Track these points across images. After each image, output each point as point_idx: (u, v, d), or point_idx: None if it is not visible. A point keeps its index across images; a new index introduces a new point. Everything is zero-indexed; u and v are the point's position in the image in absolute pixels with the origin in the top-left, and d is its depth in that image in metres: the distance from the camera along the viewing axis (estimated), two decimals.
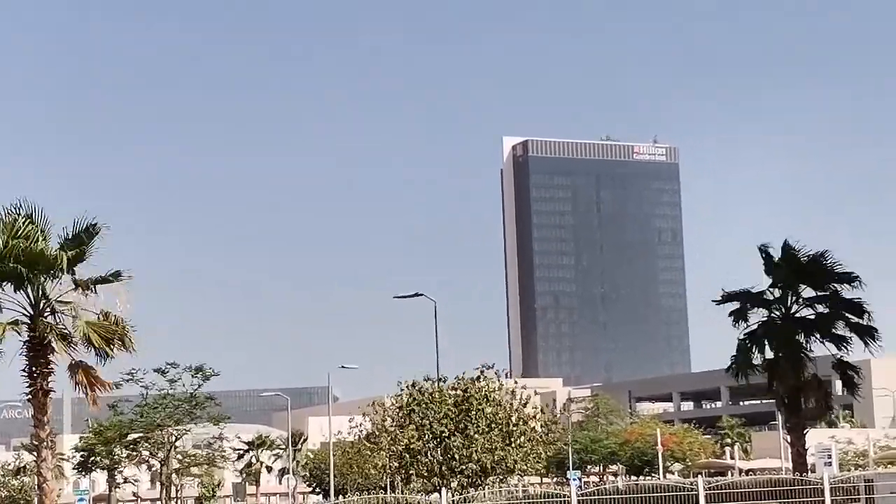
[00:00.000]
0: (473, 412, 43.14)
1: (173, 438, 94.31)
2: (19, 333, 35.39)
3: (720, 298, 44.89)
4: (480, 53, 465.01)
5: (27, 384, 36.04)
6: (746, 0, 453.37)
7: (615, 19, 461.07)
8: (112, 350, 35.74)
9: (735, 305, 44.69)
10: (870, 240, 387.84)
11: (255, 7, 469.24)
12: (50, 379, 36.03)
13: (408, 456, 43.28)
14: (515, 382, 47.49)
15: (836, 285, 44.22)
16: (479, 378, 44.62)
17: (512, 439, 43.20)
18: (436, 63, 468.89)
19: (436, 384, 45.24)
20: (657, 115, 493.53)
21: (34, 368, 35.75)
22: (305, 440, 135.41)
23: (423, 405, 43.66)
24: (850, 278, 44.11)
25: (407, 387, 45.19)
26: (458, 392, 44.10)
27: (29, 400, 36.31)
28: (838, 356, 44.33)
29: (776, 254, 44.72)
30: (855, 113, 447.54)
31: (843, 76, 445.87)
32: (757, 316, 44.68)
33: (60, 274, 35.47)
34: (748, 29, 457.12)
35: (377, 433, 45.79)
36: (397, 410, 44.66)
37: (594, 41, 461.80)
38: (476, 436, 42.70)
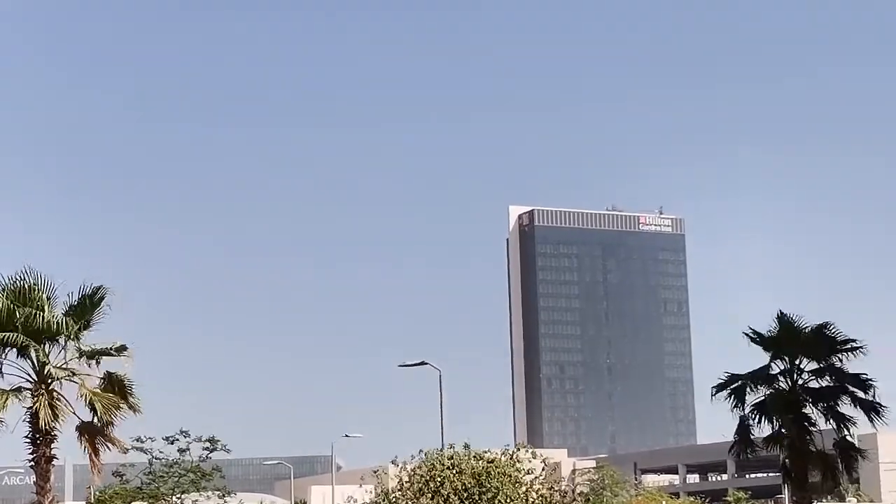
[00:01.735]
0: (493, 486, 42.94)
1: None
2: (21, 401, 35.42)
3: (719, 385, 44.11)
4: (486, 120, 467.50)
5: (30, 451, 36.00)
6: (752, 63, 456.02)
7: (620, 86, 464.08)
8: (116, 417, 35.79)
9: (735, 384, 43.96)
10: (879, 304, 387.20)
11: (248, 94, 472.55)
12: (53, 446, 36.03)
13: None
14: (543, 463, 47.11)
15: (839, 357, 43.45)
16: (511, 454, 44.56)
17: None
18: (441, 128, 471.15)
19: (459, 452, 45.03)
20: (663, 183, 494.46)
21: (37, 435, 35.73)
22: None
23: (443, 474, 43.42)
24: (853, 347, 43.32)
25: (427, 455, 45.07)
26: (481, 464, 43.92)
27: (31, 467, 36.28)
28: (841, 435, 43.72)
29: (770, 325, 44.00)
30: (863, 176, 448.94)
31: (852, 140, 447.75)
32: (758, 394, 43.89)
33: (65, 342, 35.60)
34: (756, 93, 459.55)
35: (396, 499, 45.28)
36: (416, 478, 44.32)
37: (599, 108, 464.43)
38: None
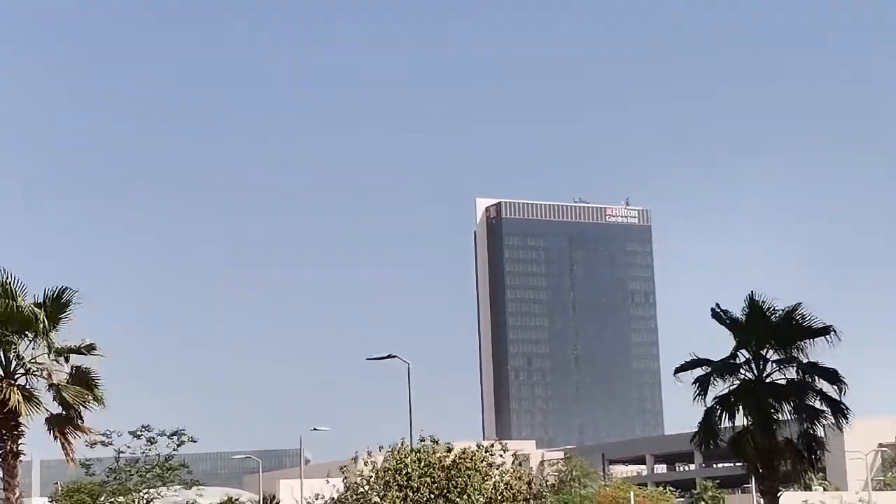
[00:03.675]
0: (460, 478, 43.03)
1: (144, 503, 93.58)
2: None
3: (682, 365, 43.30)
4: (452, 113, 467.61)
5: None
6: (723, 62, 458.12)
7: (586, 79, 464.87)
8: (84, 409, 35.81)
9: (699, 372, 43.25)
10: (843, 298, 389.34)
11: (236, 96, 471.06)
12: (20, 441, 35.91)
13: None
14: (514, 457, 47.20)
15: (807, 344, 42.40)
16: (481, 448, 44.67)
17: None
18: (408, 122, 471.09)
19: (427, 446, 45.07)
20: (630, 175, 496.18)
21: (3, 431, 35.61)
22: (278, 503, 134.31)
23: (410, 467, 43.45)
24: (825, 331, 42.20)
25: (394, 449, 45.12)
26: (450, 457, 43.98)
27: None
28: (806, 429, 43.10)
29: (738, 311, 43.12)
30: (832, 171, 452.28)
31: (821, 135, 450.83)
32: (723, 383, 43.31)
33: (34, 338, 35.56)
34: (728, 91, 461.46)
35: (363, 493, 45.23)
36: (382, 473, 44.35)
37: (565, 101, 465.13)
38: (459, 501, 42.62)
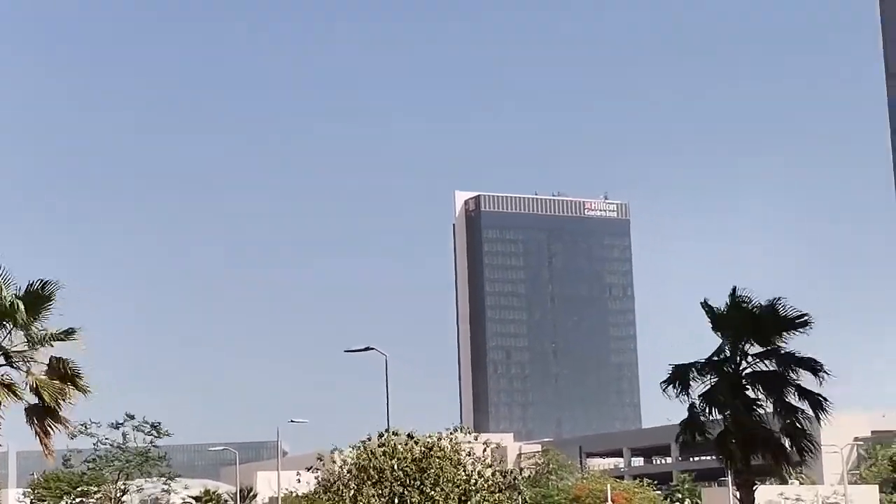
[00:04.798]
0: (433, 470, 42.95)
1: (121, 494, 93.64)
2: None
3: (667, 378, 43.44)
4: (432, 107, 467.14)
5: None
6: (723, 62, 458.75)
7: (564, 73, 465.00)
8: (63, 403, 35.64)
9: (682, 374, 43.32)
10: (822, 290, 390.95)
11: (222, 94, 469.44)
12: None
13: None
14: (485, 445, 47.19)
15: (787, 335, 42.49)
16: (450, 437, 44.59)
17: (469, 497, 43.07)
18: (387, 115, 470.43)
19: (396, 438, 45.00)
20: (609, 171, 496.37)
21: None
22: (255, 495, 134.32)
23: (383, 460, 43.34)
24: (801, 323, 42.34)
25: (363, 445, 45.02)
26: (421, 449, 43.91)
27: None
28: (787, 422, 42.94)
29: (720, 306, 43.23)
30: (829, 175, 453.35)
31: (797, 129, 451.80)
32: (705, 381, 43.38)
33: (11, 328, 35.40)
34: (725, 90, 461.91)
35: (338, 487, 45.09)
36: (354, 468, 44.23)
37: (544, 94, 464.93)
38: (433, 493, 42.57)
